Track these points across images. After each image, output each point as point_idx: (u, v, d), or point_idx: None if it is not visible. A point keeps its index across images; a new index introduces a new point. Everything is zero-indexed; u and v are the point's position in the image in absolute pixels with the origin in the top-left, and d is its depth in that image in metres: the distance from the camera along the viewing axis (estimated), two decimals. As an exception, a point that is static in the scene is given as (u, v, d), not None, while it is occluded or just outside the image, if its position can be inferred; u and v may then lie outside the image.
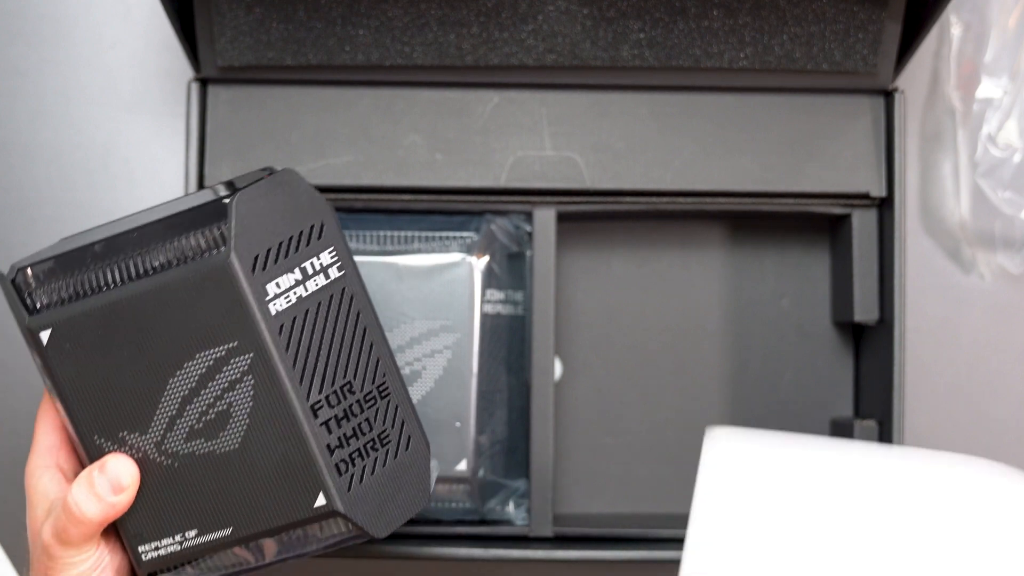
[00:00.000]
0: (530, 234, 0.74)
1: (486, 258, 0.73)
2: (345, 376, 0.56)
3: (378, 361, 0.57)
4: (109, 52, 0.81)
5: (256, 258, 0.54)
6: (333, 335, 0.56)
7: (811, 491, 0.51)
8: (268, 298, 0.54)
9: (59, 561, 0.56)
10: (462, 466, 0.71)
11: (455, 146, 0.73)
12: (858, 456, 0.53)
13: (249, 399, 0.55)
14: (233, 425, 0.55)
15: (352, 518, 0.55)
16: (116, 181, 0.80)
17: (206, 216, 0.55)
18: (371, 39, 0.72)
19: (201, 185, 0.72)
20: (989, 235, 0.80)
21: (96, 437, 0.57)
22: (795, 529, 0.51)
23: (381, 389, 0.57)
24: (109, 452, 0.56)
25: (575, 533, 0.72)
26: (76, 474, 0.59)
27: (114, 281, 0.56)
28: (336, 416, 0.56)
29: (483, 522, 0.73)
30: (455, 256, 0.72)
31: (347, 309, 0.57)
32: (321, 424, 0.55)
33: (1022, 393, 0.82)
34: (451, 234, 0.73)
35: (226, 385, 0.55)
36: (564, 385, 0.78)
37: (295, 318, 0.55)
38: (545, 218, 0.73)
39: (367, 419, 0.57)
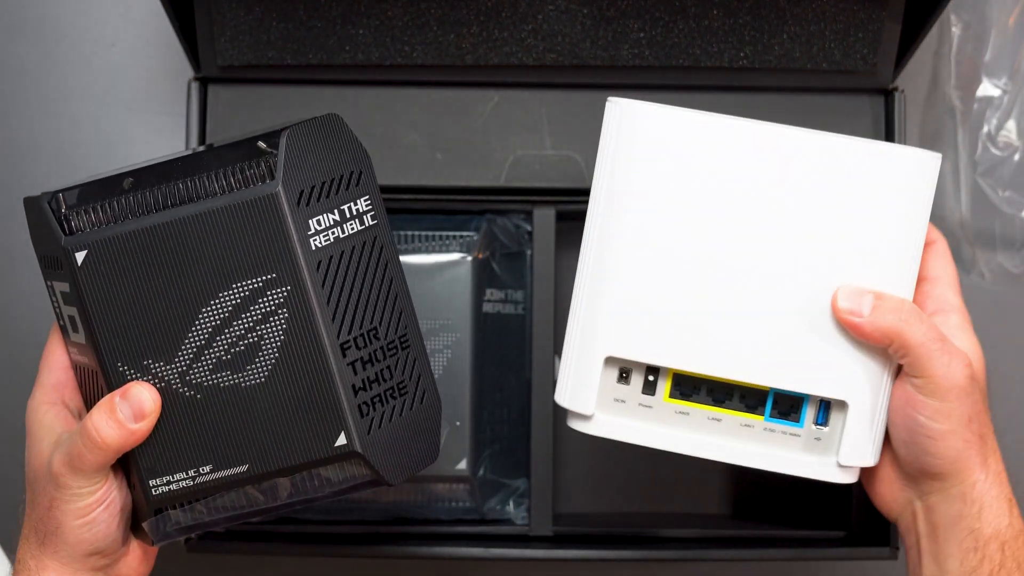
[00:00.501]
0: (530, 233, 0.74)
1: (486, 257, 0.73)
2: (372, 321, 0.57)
3: (401, 313, 0.58)
4: (109, 51, 0.81)
5: (301, 193, 0.55)
6: (364, 279, 0.57)
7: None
8: (310, 233, 0.55)
9: (67, 491, 0.55)
10: (462, 465, 0.71)
11: (455, 145, 0.73)
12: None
13: (281, 332, 0.55)
14: (262, 358, 0.55)
15: (370, 460, 0.56)
16: (116, 180, 0.80)
17: (254, 149, 0.56)
18: (371, 39, 0.72)
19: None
20: (989, 234, 0.80)
21: (120, 364, 0.56)
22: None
23: (403, 340, 0.58)
24: (132, 380, 0.56)
25: (575, 532, 0.72)
26: (81, 414, 0.59)
27: (155, 205, 0.56)
28: (361, 359, 0.56)
29: (483, 521, 0.73)
30: (455, 255, 0.72)
31: (377, 257, 0.58)
32: (348, 364, 0.56)
33: (1022, 392, 0.82)
34: (451, 233, 0.73)
35: (259, 317, 0.55)
36: (564, 384, 0.77)
37: (331, 257, 0.56)
38: (545, 217, 0.73)
39: (388, 367, 0.57)
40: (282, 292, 0.55)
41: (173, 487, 0.57)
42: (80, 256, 0.55)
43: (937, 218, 0.82)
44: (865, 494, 0.62)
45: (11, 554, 0.80)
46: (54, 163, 0.80)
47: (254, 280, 0.55)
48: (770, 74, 0.73)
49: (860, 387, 0.57)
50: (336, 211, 0.56)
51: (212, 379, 0.56)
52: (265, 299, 0.55)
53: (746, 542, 0.72)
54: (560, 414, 0.76)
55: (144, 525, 0.58)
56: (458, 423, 0.71)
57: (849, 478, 0.59)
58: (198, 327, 0.55)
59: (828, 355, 0.57)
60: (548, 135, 0.73)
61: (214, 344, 0.55)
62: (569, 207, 0.74)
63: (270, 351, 0.55)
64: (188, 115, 0.72)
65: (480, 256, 0.72)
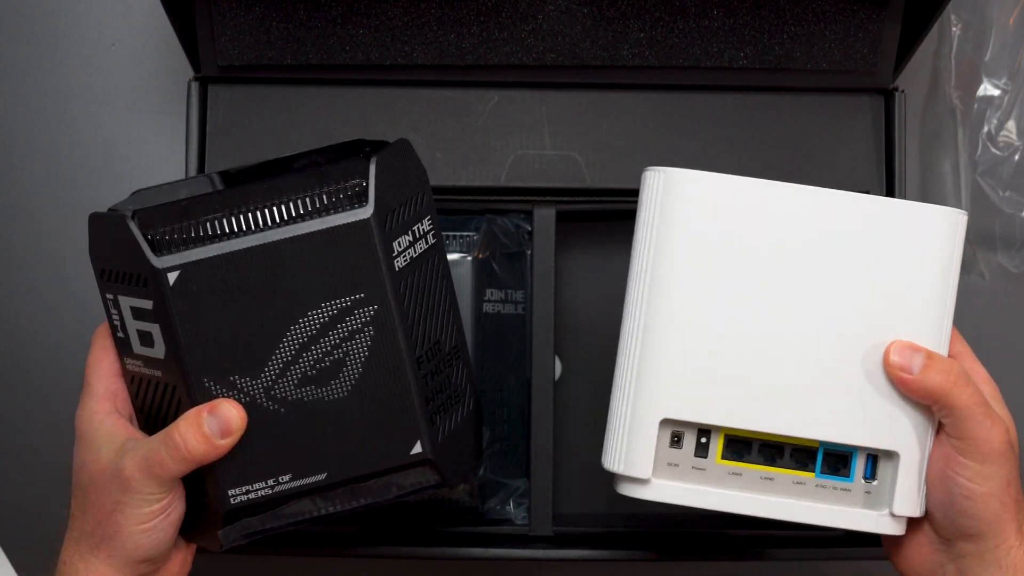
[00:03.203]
0: (530, 233, 0.74)
1: (486, 257, 0.73)
2: (436, 335, 0.61)
3: (455, 324, 0.62)
4: (109, 51, 0.81)
5: (386, 217, 0.58)
6: (432, 295, 0.61)
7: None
8: (393, 255, 0.58)
9: (137, 495, 0.56)
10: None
11: (455, 145, 0.73)
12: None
13: (366, 349, 0.58)
14: (346, 373, 0.58)
15: (439, 466, 0.60)
16: (117, 180, 0.80)
17: (341, 173, 0.57)
18: (371, 39, 0.72)
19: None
20: (989, 234, 0.80)
21: (206, 380, 0.57)
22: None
23: (455, 351, 0.62)
24: (218, 396, 0.57)
25: (575, 532, 0.72)
26: (132, 420, 0.60)
27: (248, 228, 0.57)
28: (430, 371, 0.60)
29: (483, 521, 0.73)
30: (455, 255, 0.72)
31: (441, 273, 0.62)
32: (421, 377, 0.59)
33: (1022, 392, 0.82)
34: (451, 233, 0.73)
35: (346, 334, 0.58)
36: (564, 384, 0.77)
37: (408, 276, 0.59)
38: (545, 217, 0.73)
39: (448, 376, 0.61)
40: (369, 311, 0.58)
41: (251, 496, 0.58)
42: (172, 276, 0.56)
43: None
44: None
45: (11, 554, 0.80)
46: (54, 163, 0.80)
47: (343, 300, 0.57)
48: (770, 74, 0.73)
49: (910, 438, 0.59)
50: (410, 232, 0.60)
51: (296, 394, 0.58)
52: (352, 317, 0.57)
53: (746, 542, 0.72)
54: (560, 413, 0.76)
55: (219, 533, 0.59)
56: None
57: (899, 529, 0.60)
58: (285, 344, 0.57)
59: (879, 408, 0.59)
60: (548, 135, 0.73)
61: (300, 360, 0.57)
62: (569, 207, 0.74)
63: (354, 366, 0.58)
64: (188, 115, 0.72)
65: (480, 256, 0.72)
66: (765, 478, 0.60)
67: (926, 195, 0.82)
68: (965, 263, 0.81)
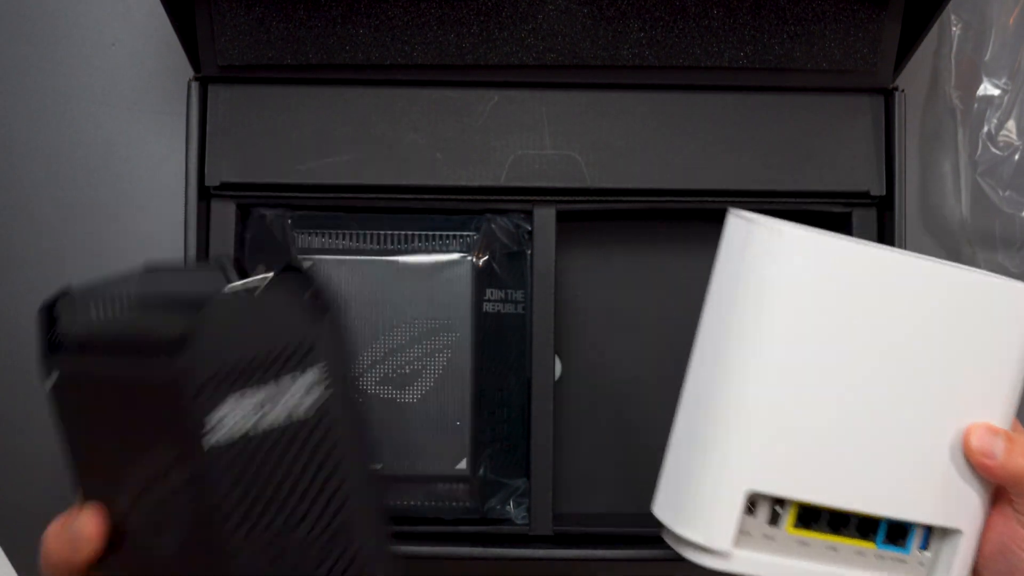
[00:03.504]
0: (530, 233, 0.74)
1: (486, 257, 0.73)
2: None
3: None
4: (109, 51, 0.81)
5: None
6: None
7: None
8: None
9: None
10: (462, 465, 0.71)
11: (455, 145, 0.73)
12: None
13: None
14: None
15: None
16: (116, 180, 0.80)
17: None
18: (371, 38, 0.72)
19: (201, 184, 0.72)
20: (989, 234, 0.80)
21: None
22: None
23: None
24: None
25: (575, 532, 0.72)
26: None
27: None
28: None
29: (483, 521, 0.73)
30: (455, 255, 0.72)
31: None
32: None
33: (1023, 393, 0.82)
34: (451, 233, 0.73)
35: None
36: (564, 384, 0.77)
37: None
38: (545, 217, 0.73)
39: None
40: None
41: None
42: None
43: (937, 218, 0.82)
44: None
45: (11, 554, 0.80)
46: (54, 163, 0.80)
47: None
48: (770, 74, 0.73)
49: (973, 515, 0.59)
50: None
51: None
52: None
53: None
54: (560, 413, 0.76)
55: None
56: (458, 423, 0.71)
57: None
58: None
59: (949, 486, 0.59)
60: (548, 135, 0.73)
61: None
62: (569, 207, 0.74)
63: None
64: (188, 115, 0.72)
65: (480, 256, 0.72)
66: (829, 547, 0.59)
67: (926, 195, 0.82)
68: (965, 263, 0.81)
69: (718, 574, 0.59)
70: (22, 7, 0.81)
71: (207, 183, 0.73)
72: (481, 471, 0.72)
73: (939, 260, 0.58)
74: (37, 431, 0.80)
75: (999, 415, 0.59)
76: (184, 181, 0.72)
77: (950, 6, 0.77)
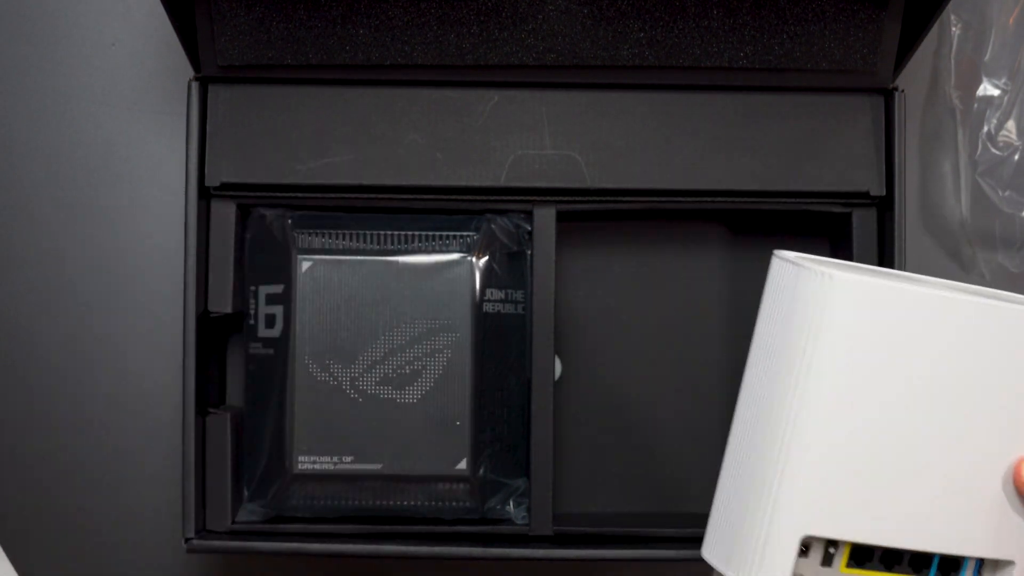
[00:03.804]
0: (530, 233, 0.74)
1: (486, 257, 0.73)
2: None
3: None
4: (109, 51, 0.81)
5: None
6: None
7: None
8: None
9: None
10: (462, 465, 0.71)
11: (455, 145, 0.73)
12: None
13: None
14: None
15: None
16: (116, 180, 0.80)
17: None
18: (371, 38, 0.72)
19: (201, 184, 0.72)
20: (989, 234, 0.80)
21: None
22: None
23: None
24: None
25: (575, 532, 0.72)
26: None
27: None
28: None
29: (483, 521, 0.73)
30: (455, 255, 0.72)
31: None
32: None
33: (1022, 392, 0.82)
34: (451, 233, 0.73)
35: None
36: (564, 384, 0.77)
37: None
38: (545, 217, 0.73)
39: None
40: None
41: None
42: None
43: (937, 218, 0.82)
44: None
45: (11, 554, 0.80)
46: (54, 163, 0.80)
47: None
48: (770, 74, 0.73)
49: (1022, 546, 0.59)
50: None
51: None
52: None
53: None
54: (560, 413, 0.76)
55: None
56: (458, 423, 0.71)
57: None
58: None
59: (1000, 519, 0.58)
60: (548, 135, 0.73)
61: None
62: (569, 207, 0.74)
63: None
64: (188, 115, 0.72)
65: (480, 256, 0.72)
66: None
67: (926, 195, 0.82)
68: (965, 263, 0.81)
69: None
70: (22, 7, 0.81)
71: (207, 183, 0.73)
72: (481, 471, 0.72)
73: (986, 291, 0.58)
74: (37, 431, 0.80)
75: None
76: (184, 181, 0.72)
77: (950, 6, 0.77)
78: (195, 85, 0.72)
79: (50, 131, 0.81)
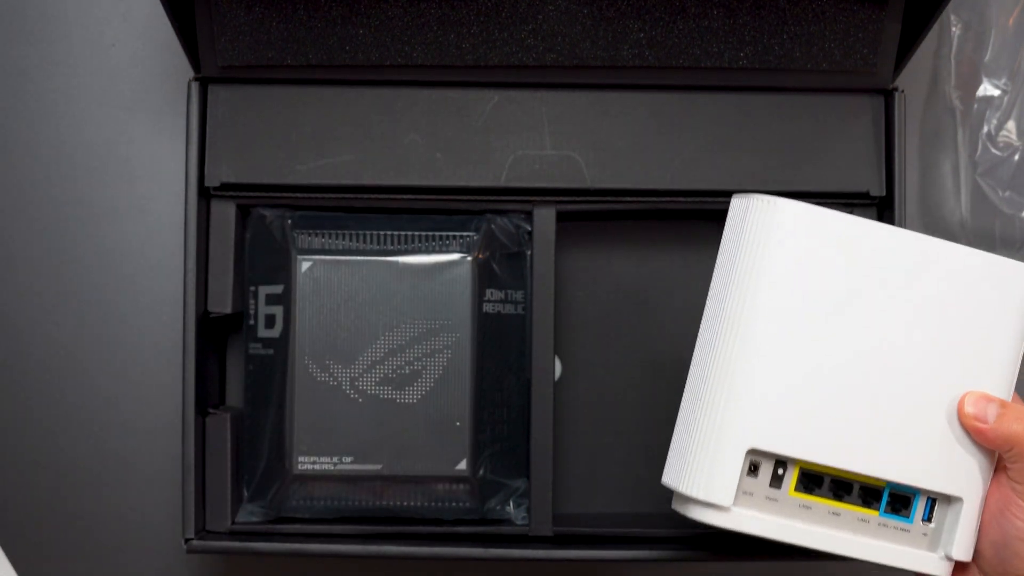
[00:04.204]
0: (530, 233, 0.74)
1: (486, 257, 0.73)
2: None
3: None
4: (109, 51, 0.81)
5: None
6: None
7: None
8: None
9: None
10: (462, 466, 0.71)
11: (455, 145, 0.73)
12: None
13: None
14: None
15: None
16: (116, 180, 0.80)
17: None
18: (371, 39, 0.72)
19: (201, 184, 0.72)
20: (989, 234, 0.80)
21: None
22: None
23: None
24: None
25: (575, 533, 0.72)
26: None
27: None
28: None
29: (483, 522, 0.73)
30: (455, 255, 0.72)
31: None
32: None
33: (1022, 393, 0.82)
34: (451, 233, 0.73)
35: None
36: (564, 385, 0.77)
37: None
38: (545, 217, 0.73)
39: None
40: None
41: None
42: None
43: (937, 218, 0.82)
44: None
45: (11, 554, 0.80)
46: (54, 163, 0.80)
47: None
48: (770, 74, 0.73)
49: (974, 484, 0.61)
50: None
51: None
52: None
53: (746, 542, 0.72)
54: (560, 413, 0.76)
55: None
56: (458, 424, 0.71)
57: (947, 572, 0.62)
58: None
59: (949, 453, 0.61)
60: (548, 135, 0.73)
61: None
62: (569, 207, 0.74)
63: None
64: (188, 115, 0.72)
65: (480, 256, 0.72)
66: (832, 513, 0.62)
67: (926, 195, 0.82)
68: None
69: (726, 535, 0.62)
70: (22, 7, 0.81)
71: (207, 183, 0.73)
72: (481, 471, 0.72)
73: (935, 238, 0.61)
74: (37, 431, 0.80)
75: (996, 386, 0.61)
76: (184, 181, 0.72)
77: (950, 6, 0.77)
78: (195, 85, 0.72)
79: (50, 131, 0.80)
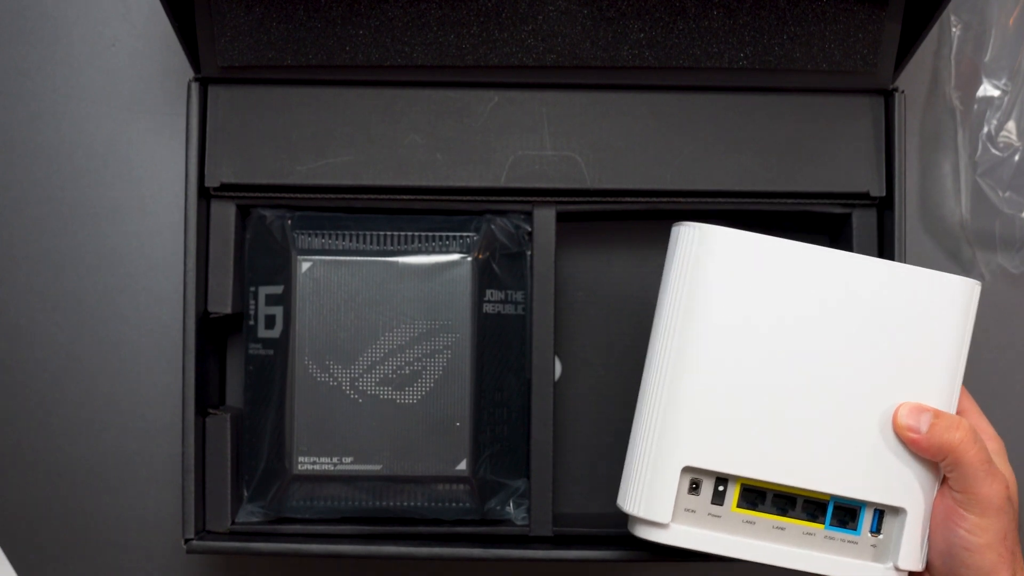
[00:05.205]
0: (530, 233, 0.74)
1: (486, 258, 0.73)
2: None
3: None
4: (109, 52, 0.81)
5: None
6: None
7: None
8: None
9: None
10: (462, 466, 0.71)
11: (455, 146, 0.73)
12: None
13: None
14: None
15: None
16: (116, 180, 0.80)
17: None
18: (371, 39, 0.72)
19: (201, 185, 0.72)
20: (989, 235, 0.80)
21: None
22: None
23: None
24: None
25: (575, 533, 0.72)
26: None
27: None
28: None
29: (483, 522, 0.73)
30: (455, 256, 0.72)
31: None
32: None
33: (1022, 393, 0.82)
34: (451, 234, 0.73)
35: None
36: (564, 385, 0.77)
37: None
38: (545, 217, 0.73)
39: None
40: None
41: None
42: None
43: (937, 218, 0.82)
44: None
45: (11, 554, 0.80)
46: (54, 163, 0.80)
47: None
48: (770, 74, 0.73)
49: (916, 495, 0.62)
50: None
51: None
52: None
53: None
54: (560, 413, 0.76)
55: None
56: (458, 424, 0.71)
57: None
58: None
59: (889, 465, 0.62)
60: (548, 135, 0.73)
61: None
62: (569, 207, 0.74)
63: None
64: (188, 115, 0.72)
65: (480, 256, 0.72)
66: (777, 527, 0.63)
67: (926, 195, 0.82)
68: (965, 264, 0.81)
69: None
70: (22, 7, 0.81)
71: (207, 184, 0.73)
72: (481, 472, 0.72)
73: (867, 257, 0.62)
74: (37, 431, 0.80)
75: (936, 397, 0.62)
76: (184, 181, 0.72)
77: (950, 6, 0.77)
78: (195, 85, 0.72)
79: (50, 131, 0.81)
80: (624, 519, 0.77)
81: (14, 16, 0.81)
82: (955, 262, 0.81)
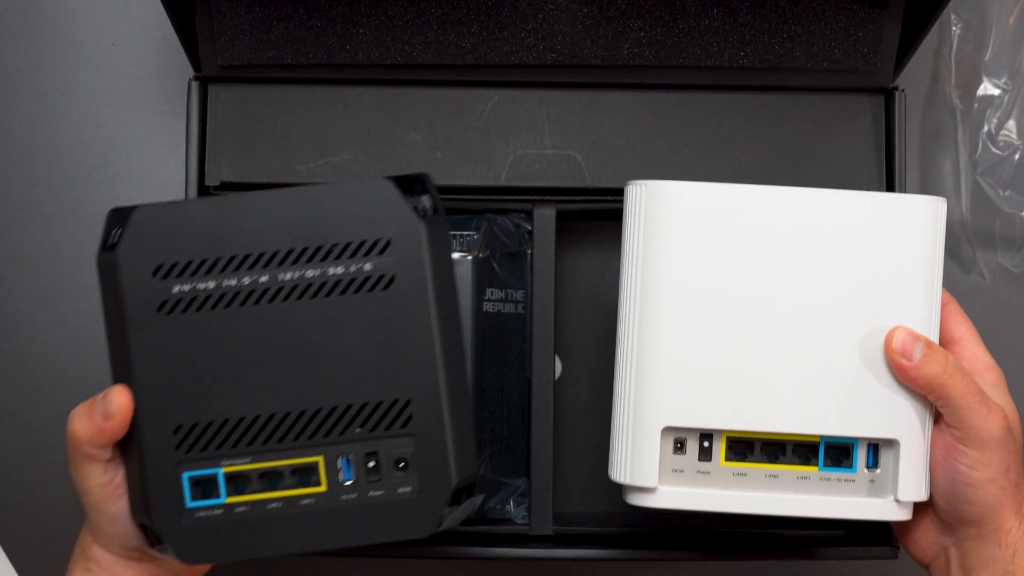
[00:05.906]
0: (530, 232, 0.74)
1: (486, 257, 0.73)
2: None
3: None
4: (109, 51, 0.81)
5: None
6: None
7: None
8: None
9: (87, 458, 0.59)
10: (462, 465, 0.71)
11: (455, 144, 0.73)
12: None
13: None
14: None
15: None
16: (116, 179, 0.80)
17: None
18: (371, 38, 0.72)
19: (201, 184, 0.72)
20: (989, 234, 0.80)
21: None
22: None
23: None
24: None
25: (575, 532, 0.72)
26: None
27: None
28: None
29: (483, 521, 0.73)
30: (455, 255, 0.72)
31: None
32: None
33: (1022, 392, 0.82)
34: (451, 233, 0.73)
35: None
36: (564, 384, 0.77)
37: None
38: (545, 216, 0.73)
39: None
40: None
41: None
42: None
43: (937, 218, 0.82)
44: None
45: (11, 554, 0.80)
46: (54, 163, 0.80)
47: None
48: (770, 74, 0.73)
49: (908, 424, 0.60)
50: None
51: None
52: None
53: (745, 541, 0.72)
54: (560, 414, 0.76)
55: None
56: (458, 423, 0.71)
57: (906, 515, 0.61)
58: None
59: (874, 397, 0.60)
60: (548, 135, 0.73)
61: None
62: (569, 206, 0.74)
63: None
64: (188, 115, 0.72)
65: (480, 255, 0.72)
66: (770, 476, 0.61)
67: (926, 194, 0.82)
68: (965, 263, 0.81)
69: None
70: (22, 7, 0.81)
71: (207, 183, 0.73)
72: (481, 471, 0.72)
73: (823, 190, 0.61)
74: (37, 431, 0.80)
75: (919, 323, 0.60)
76: (184, 181, 0.72)
77: (950, 6, 0.77)
78: (195, 85, 0.72)
79: (50, 131, 0.81)
80: (624, 519, 0.77)
81: (14, 15, 0.81)
82: (955, 261, 0.81)
